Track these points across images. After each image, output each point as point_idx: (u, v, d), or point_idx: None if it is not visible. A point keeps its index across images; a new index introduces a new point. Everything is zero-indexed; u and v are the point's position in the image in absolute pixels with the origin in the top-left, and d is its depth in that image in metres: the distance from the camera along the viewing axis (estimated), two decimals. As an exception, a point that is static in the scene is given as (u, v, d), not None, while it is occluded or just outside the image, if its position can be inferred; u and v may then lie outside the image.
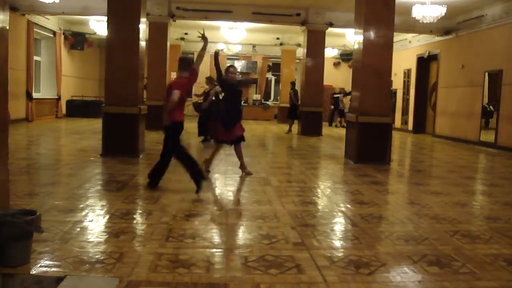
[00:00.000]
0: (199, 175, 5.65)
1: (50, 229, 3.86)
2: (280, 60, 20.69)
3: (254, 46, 20.95)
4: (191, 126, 13.15)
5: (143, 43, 8.84)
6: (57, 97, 17.37)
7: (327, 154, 10.51)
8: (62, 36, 17.45)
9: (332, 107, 19.83)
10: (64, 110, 18.10)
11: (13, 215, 3.22)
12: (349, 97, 15.35)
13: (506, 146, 11.59)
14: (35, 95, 15.86)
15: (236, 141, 6.95)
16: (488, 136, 12.67)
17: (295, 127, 15.38)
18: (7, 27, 3.67)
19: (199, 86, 17.06)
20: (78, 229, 4.01)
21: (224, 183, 6.44)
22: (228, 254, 3.57)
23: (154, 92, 13.55)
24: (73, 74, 19.04)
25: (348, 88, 18.69)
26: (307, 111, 14.54)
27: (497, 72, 12.27)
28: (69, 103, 18.43)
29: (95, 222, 4.29)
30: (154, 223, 4.29)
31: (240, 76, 7.04)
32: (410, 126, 17.03)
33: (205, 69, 22.21)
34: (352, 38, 11.90)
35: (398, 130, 16.94)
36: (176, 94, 5.53)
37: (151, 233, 3.97)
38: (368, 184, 6.74)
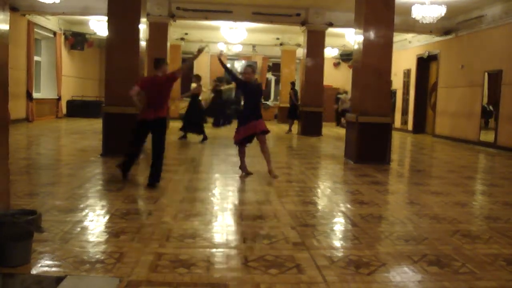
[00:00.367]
0: (125, 166, 6.24)
1: (50, 229, 3.86)
2: (280, 60, 20.69)
3: (254, 46, 20.94)
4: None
5: (143, 43, 8.85)
6: (57, 97, 17.38)
7: (327, 154, 10.51)
8: (63, 36, 17.46)
9: (336, 106, 19.84)
10: (64, 110, 18.10)
11: (13, 215, 3.23)
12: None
13: (506, 146, 11.60)
14: (35, 95, 15.87)
15: (260, 134, 6.76)
16: (488, 136, 12.67)
17: (295, 127, 15.39)
18: (8, 28, 3.67)
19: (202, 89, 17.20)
20: (78, 229, 4.01)
21: (224, 183, 6.44)
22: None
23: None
24: (73, 74, 19.05)
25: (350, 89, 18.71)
26: (307, 111, 14.54)
27: (497, 72, 12.28)
28: (69, 103, 18.43)
29: (95, 222, 4.29)
30: (154, 223, 4.29)
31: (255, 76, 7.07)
32: (410, 126, 17.04)
33: (205, 69, 22.30)
34: (352, 38, 11.90)
35: (398, 130, 16.94)
36: (133, 89, 5.87)
37: (151, 233, 3.98)
38: (368, 184, 6.74)
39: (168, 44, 14.51)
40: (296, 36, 18.81)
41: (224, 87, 17.10)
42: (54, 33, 16.80)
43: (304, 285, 3.02)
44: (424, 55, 16.34)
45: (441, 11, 10.81)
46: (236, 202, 5.34)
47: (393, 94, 16.98)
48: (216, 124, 16.59)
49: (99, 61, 20.58)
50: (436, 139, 14.86)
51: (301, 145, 12.26)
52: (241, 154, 7.05)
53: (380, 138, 8.68)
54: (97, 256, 3.38)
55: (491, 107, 12.87)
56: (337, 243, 4.01)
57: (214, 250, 3.64)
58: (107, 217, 4.47)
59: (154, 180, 5.89)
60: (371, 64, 8.74)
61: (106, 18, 8.76)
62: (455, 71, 14.34)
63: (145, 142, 6.40)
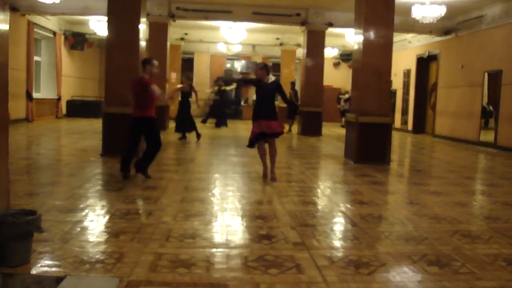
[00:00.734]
0: (123, 165, 6.39)
1: (50, 229, 3.86)
2: (280, 60, 20.69)
3: (254, 46, 20.96)
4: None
5: (143, 43, 8.85)
6: (57, 97, 17.37)
7: (327, 154, 10.51)
8: (62, 36, 17.46)
9: (340, 106, 19.84)
10: (64, 110, 18.10)
11: (13, 215, 3.22)
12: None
13: (506, 146, 11.60)
14: (35, 95, 15.86)
15: (271, 136, 6.56)
16: (487, 136, 12.68)
17: (295, 127, 15.39)
18: (8, 28, 3.67)
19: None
20: (78, 229, 4.01)
21: (224, 183, 6.44)
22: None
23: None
24: (73, 74, 19.05)
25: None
26: (307, 111, 14.54)
27: (496, 72, 12.28)
28: (69, 103, 18.43)
29: (95, 222, 4.29)
30: (154, 223, 4.29)
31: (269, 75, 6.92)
32: (410, 126, 17.04)
33: (205, 69, 22.31)
34: (352, 38, 11.90)
35: (398, 130, 16.95)
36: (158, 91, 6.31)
37: (151, 233, 3.98)
38: (368, 184, 6.74)
39: (168, 44, 14.51)
40: (296, 36, 18.81)
41: (225, 87, 17.24)
42: (54, 33, 16.80)
43: (304, 285, 3.02)
44: (424, 55, 16.34)
45: (441, 11, 10.82)
46: (236, 202, 5.34)
47: (393, 94, 16.97)
48: (218, 125, 16.69)
49: (99, 61, 20.58)
50: (436, 139, 14.86)
51: (301, 145, 12.26)
52: (261, 157, 6.71)
53: (380, 138, 8.68)
54: (97, 256, 3.38)
55: (491, 107, 12.87)
56: (337, 243, 4.01)
57: (214, 250, 3.63)
58: (107, 217, 4.47)
59: (141, 167, 6.38)
60: (371, 64, 8.74)
61: (106, 18, 8.76)
62: (455, 71, 14.35)
63: (140, 141, 6.67)
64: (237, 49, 20.72)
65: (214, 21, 15.81)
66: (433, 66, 16.19)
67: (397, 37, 15.54)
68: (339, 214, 5.00)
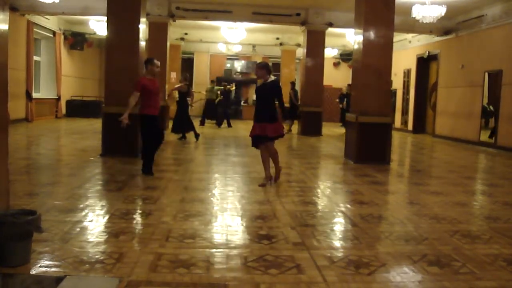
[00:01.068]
0: (144, 166, 6.71)
1: (50, 229, 3.85)
2: (280, 60, 20.69)
3: (254, 46, 20.95)
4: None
5: (143, 43, 8.85)
6: (57, 97, 17.37)
7: (327, 154, 10.51)
8: (62, 36, 17.45)
9: (341, 106, 19.82)
10: (64, 110, 18.10)
11: (13, 215, 3.22)
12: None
13: (506, 146, 11.60)
14: (34, 95, 15.85)
15: (265, 139, 6.26)
16: (488, 136, 12.67)
17: (295, 127, 15.38)
18: (7, 27, 3.66)
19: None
20: (78, 229, 4.00)
21: (224, 183, 6.44)
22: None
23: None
24: (73, 74, 19.04)
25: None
26: (307, 111, 14.54)
27: (497, 72, 12.27)
28: (69, 103, 18.43)
29: (95, 222, 4.29)
30: (154, 223, 4.29)
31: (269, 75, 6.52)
32: (410, 126, 17.03)
33: (205, 68, 22.31)
34: (352, 38, 11.89)
35: (398, 130, 16.94)
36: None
37: (151, 233, 3.97)
38: (368, 184, 6.74)
39: (168, 44, 14.50)
40: (296, 36, 18.81)
41: (229, 87, 17.34)
42: (54, 33, 16.79)
43: (304, 285, 3.02)
44: (424, 55, 16.34)
45: (441, 11, 10.81)
46: (236, 202, 5.33)
47: (393, 94, 16.97)
48: (220, 124, 16.77)
49: (98, 61, 20.58)
50: (436, 139, 14.86)
51: (301, 145, 12.26)
52: (263, 163, 6.42)
53: (380, 138, 8.68)
54: (96, 256, 3.37)
55: (491, 107, 12.86)
56: (337, 243, 4.00)
57: (214, 250, 3.63)
58: (106, 217, 4.46)
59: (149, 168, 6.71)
60: (371, 64, 8.73)
61: (105, 18, 8.75)
62: (455, 71, 14.34)
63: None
64: (237, 49, 20.72)
65: (214, 21, 15.81)
66: (433, 66, 16.18)
67: (397, 37, 15.53)
68: (339, 214, 5.00)
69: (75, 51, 18.51)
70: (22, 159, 7.83)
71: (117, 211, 4.65)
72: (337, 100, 17.94)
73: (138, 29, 8.53)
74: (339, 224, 4.66)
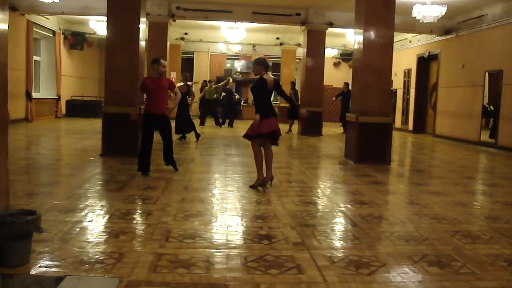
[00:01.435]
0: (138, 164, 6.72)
1: (50, 229, 3.85)
2: (280, 60, 20.69)
3: (254, 46, 20.94)
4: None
5: (143, 43, 8.84)
6: (56, 97, 17.36)
7: (327, 154, 10.50)
8: (62, 36, 17.44)
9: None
10: (63, 110, 18.09)
11: (13, 215, 3.22)
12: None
13: (506, 146, 11.59)
14: (34, 95, 15.85)
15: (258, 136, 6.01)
16: (488, 136, 12.67)
17: (295, 127, 15.38)
18: (7, 27, 3.66)
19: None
20: (78, 229, 4.00)
21: (224, 183, 6.43)
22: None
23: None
24: (73, 74, 19.04)
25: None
26: (307, 111, 14.50)
27: (497, 72, 12.26)
28: (69, 103, 18.42)
29: (95, 222, 4.28)
30: (154, 223, 4.28)
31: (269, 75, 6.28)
32: (410, 126, 17.02)
33: (205, 68, 22.30)
34: (352, 38, 11.89)
35: (398, 130, 16.94)
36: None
37: (151, 233, 3.97)
38: (368, 184, 6.73)
39: (168, 44, 14.49)
40: (296, 36, 18.81)
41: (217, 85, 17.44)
42: (54, 33, 16.78)
43: (304, 285, 3.01)
44: (424, 54, 16.33)
45: (442, 10, 10.81)
46: (236, 202, 5.33)
47: (393, 94, 16.97)
48: (221, 124, 16.84)
49: (98, 61, 20.57)
50: (436, 139, 14.85)
51: (301, 145, 12.25)
52: (258, 159, 6.12)
53: (381, 138, 8.67)
54: (96, 256, 3.37)
55: (491, 107, 12.86)
56: (337, 243, 4.00)
57: (214, 250, 3.62)
58: (106, 217, 4.46)
59: (169, 160, 6.98)
60: (372, 63, 8.73)
61: (105, 18, 8.75)
62: (456, 70, 14.33)
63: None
64: (237, 48, 20.71)
65: (214, 21, 15.80)
66: (434, 65, 16.17)
67: (398, 37, 15.54)
68: (339, 214, 4.99)
69: (75, 51, 18.50)
70: (22, 159, 7.83)
71: (117, 211, 4.64)
72: (334, 98, 17.98)
73: (138, 29, 8.52)
74: (339, 224, 4.65)
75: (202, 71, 22.15)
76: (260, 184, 6.07)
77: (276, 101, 22.26)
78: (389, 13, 8.78)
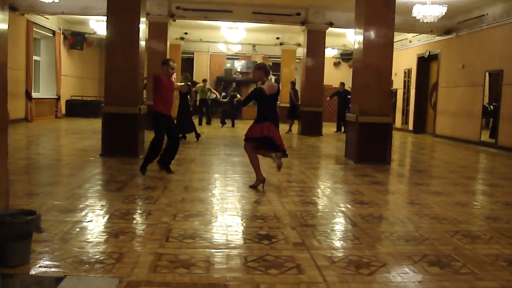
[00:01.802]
0: (147, 163, 6.72)
1: (49, 229, 3.85)
2: (280, 60, 20.68)
3: (254, 46, 20.95)
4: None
5: (143, 43, 8.84)
6: (56, 97, 17.36)
7: (327, 154, 10.50)
8: (62, 36, 17.44)
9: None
10: (63, 110, 18.09)
11: (13, 215, 3.21)
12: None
13: (507, 146, 11.59)
14: (34, 95, 15.85)
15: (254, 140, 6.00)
16: (488, 136, 12.66)
17: (295, 127, 15.38)
18: (7, 27, 3.66)
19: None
20: (78, 229, 4.00)
21: (224, 183, 6.43)
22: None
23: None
24: (73, 74, 19.04)
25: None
26: (307, 111, 14.54)
27: (497, 72, 12.26)
28: (69, 103, 18.42)
29: (95, 222, 4.28)
30: (154, 223, 4.28)
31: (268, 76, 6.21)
32: (411, 126, 17.02)
33: (205, 68, 22.30)
34: (352, 37, 11.89)
35: (399, 130, 16.93)
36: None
37: (151, 233, 3.96)
38: (368, 184, 6.73)
39: (168, 44, 14.50)
40: (296, 36, 18.80)
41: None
42: (54, 33, 16.78)
43: (304, 285, 3.01)
44: (424, 54, 16.33)
45: (442, 10, 10.80)
46: (236, 202, 5.32)
47: (393, 93, 16.96)
48: (223, 123, 16.87)
49: (98, 61, 20.57)
50: (436, 139, 14.85)
51: (301, 145, 12.24)
52: (254, 160, 6.11)
53: (381, 138, 8.67)
54: (96, 256, 3.37)
55: (491, 107, 12.86)
56: (337, 243, 3.99)
57: (214, 250, 3.62)
58: (106, 217, 4.46)
59: (168, 163, 6.93)
60: (372, 64, 8.73)
61: (105, 18, 8.75)
62: (456, 70, 14.33)
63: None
64: (237, 48, 20.71)
65: (214, 21, 15.80)
66: (434, 65, 16.17)
67: (398, 37, 15.53)
68: (340, 214, 4.99)
69: (75, 51, 18.50)
70: (22, 159, 7.83)
71: (117, 211, 4.64)
72: (328, 98, 18.01)
73: (138, 29, 8.52)
74: (339, 224, 4.65)
75: (202, 71, 22.15)
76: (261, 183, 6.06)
77: (276, 101, 22.34)
78: (389, 13, 8.78)
